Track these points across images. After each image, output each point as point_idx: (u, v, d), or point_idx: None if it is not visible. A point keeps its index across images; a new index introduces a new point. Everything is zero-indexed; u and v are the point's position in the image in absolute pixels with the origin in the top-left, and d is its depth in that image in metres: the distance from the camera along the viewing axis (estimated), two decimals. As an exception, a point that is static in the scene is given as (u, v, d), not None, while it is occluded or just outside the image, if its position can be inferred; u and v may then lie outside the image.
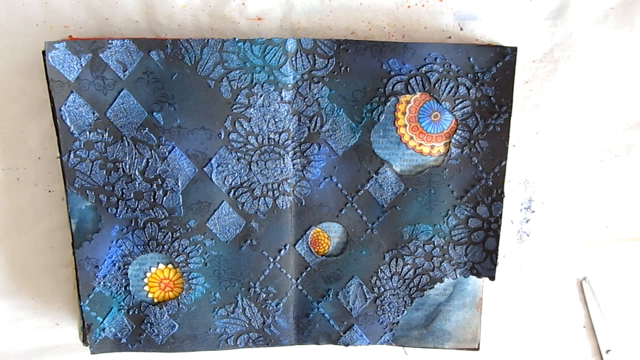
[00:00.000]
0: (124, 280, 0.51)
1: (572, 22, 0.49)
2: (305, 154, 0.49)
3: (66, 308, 0.55)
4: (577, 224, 0.54)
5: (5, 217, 0.51)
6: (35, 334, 0.55)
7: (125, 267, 0.50)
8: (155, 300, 0.52)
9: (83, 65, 0.46)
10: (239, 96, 0.47)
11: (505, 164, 0.49)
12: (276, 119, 0.48)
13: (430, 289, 0.52)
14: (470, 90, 0.48)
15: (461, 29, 0.49)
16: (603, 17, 0.48)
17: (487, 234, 0.51)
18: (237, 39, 0.46)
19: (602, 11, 0.48)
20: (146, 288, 0.51)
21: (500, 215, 0.50)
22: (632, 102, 0.51)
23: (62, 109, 0.46)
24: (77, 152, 0.47)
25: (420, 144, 0.49)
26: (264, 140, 0.48)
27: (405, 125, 0.49)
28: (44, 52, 0.46)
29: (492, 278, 0.52)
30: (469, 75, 0.48)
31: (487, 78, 0.48)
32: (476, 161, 0.50)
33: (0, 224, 0.52)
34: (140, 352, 0.53)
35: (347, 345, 0.54)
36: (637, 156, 0.52)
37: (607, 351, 0.57)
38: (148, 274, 0.51)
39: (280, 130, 0.48)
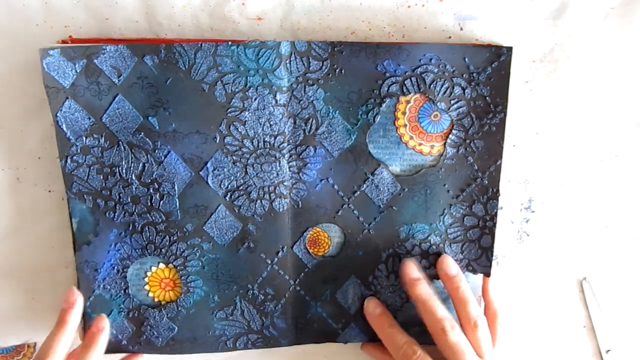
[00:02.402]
0: (123, 284, 0.51)
1: (572, 22, 0.49)
2: (301, 157, 0.49)
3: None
4: (577, 224, 0.54)
5: (5, 217, 0.52)
6: (35, 334, 0.55)
7: (124, 270, 0.50)
8: (156, 300, 0.52)
9: (78, 71, 0.46)
10: (234, 100, 0.47)
11: (500, 163, 0.50)
12: (271, 122, 0.48)
13: None
14: (466, 91, 0.48)
15: (461, 29, 0.49)
16: (603, 17, 0.48)
17: (482, 232, 0.51)
18: (230, 43, 0.46)
19: (602, 11, 0.48)
20: (147, 287, 0.52)
21: (496, 213, 0.51)
22: (632, 102, 0.51)
23: (58, 115, 0.47)
24: (74, 157, 0.48)
25: (420, 144, 0.49)
26: (260, 144, 0.48)
27: (405, 125, 0.49)
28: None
29: (488, 275, 0.52)
30: (464, 75, 0.48)
31: (483, 78, 0.48)
32: (472, 160, 0.50)
33: (0, 224, 0.52)
34: (142, 353, 0.53)
35: (345, 342, 0.54)
36: (637, 156, 0.52)
37: (607, 351, 0.57)
38: (149, 274, 0.51)
39: (276, 133, 0.48)
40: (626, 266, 0.55)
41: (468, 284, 0.50)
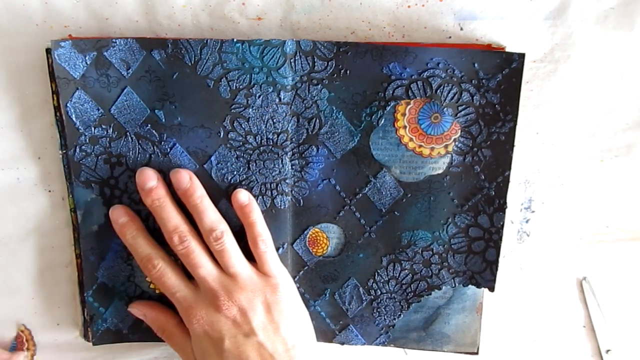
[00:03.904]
0: (126, 271, 0.51)
1: (572, 22, 0.49)
2: (303, 155, 0.49)
3: (66, 308, 0.55)
4: (577, 224, 0.54)
5: (5, 217, 0.52)
6: (35, 334, 0.55)
7: (129, 257, 0.51)
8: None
9: (88, 63, 0.46)
10: (238, 96, 0.47)
11: (509, 174, 0.49)
12: (274, 120, 0.48)
13: (427, 295, 0.52)
14: (474, 97, 0.48)
15: (461, 29, 0.49)
16: (603, 17, 0.48)
17: (487, 244, 0.51)
18: (235, 40, 0.46)
19: (602, 11, 0.48)
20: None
21: (502, 225, 0.50)
22: (632, 102, 0.51)
23: (68, 105, 0.47)
24: (83, 147, 0.48)
25: (420, 146, 0.49)
26: (263, 140, 0.48)
27: (405, 127, 0.49)
28: (47, 51, 0.46)
29: (492, 289, 0.52)
30: (473, 81, 0.47)
31: (493, 85, 0.47)
32: (478, 170, 0.49)
33: (0, 224, 0.52)
34: (142, 341, 0.53)
35: (342, 344, 0.54)
36: (637, 156, 0.52)
37: (607, 351, 0.57)
38: None
39: (279, 130, 0.48)
40: (626, 266, 0.55)
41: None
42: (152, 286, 0.52)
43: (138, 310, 0.51)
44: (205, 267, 0.47)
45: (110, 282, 0.51)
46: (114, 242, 0.50)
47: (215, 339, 0.46)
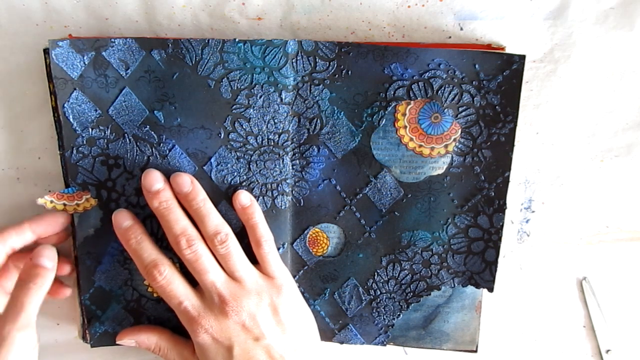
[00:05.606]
0: (123, 275, 0.51)
1: (572, 22, 0.49)
2: (304, 155, 0.49)
3: (66, 307, 0.55)
4: (577, 224, 0.54)
5: (5, 217, 0.51)
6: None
7: (126, 261, 0.50)
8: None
9: (86, 63, 0.46)
10: (239, 97, 0.47)
11: (508, 175, 0.49)
12: (276, 120, 0.48)
13: (427, 295, 0.52)
14: (475, 98, 0.48)
15: (461, 29, 0.49)
16: (603, 17, 0.48)
17: (487, 245, 0.51)
18: (237, 40, 0.46)
19: (602, 11, 0.48)
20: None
21: (502, 226, 0.50)
22: (632, 102, 0.51)
23: (65, 105, 0.47)
24: (80, 148, 0.48)
25: (421, 146, 0.49)
26: (263, 141, 0.48)
27: (405, 127, 0.49)
28: (45, 51, 0.46)
29: (491, 290, 0.52)
30: (473, 82, 0.47)
31: (493, 86, 0.47)
32: (478, 170, 0.49)
33: (1, 224, 0.51)
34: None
35: (341, 343, 0.54)
36: (637, 156, 0.52)
37: (607, 351, 0.57)
38: None
39: (280, 131, 0.48)
40: (626, 266, 0.55)
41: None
42: (149, 290, 0.52)
43: (127, 340, 0.51)
44: (213, 272, 0.46)
45: (107, 286, 0.51)
46: (111, 246, 0.50)
47: (225, 347, 0.46)
